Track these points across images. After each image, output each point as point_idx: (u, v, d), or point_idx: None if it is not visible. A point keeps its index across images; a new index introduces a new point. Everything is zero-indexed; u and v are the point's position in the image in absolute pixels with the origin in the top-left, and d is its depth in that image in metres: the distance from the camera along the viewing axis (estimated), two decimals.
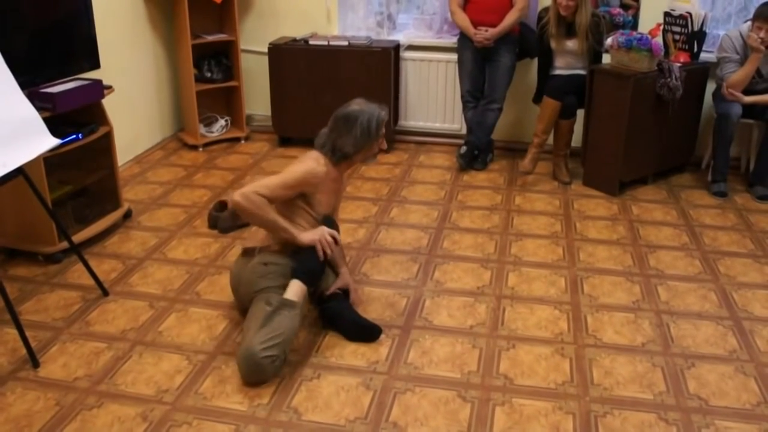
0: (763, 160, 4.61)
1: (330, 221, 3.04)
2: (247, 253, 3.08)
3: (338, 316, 3.05)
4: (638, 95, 4.39)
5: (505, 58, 4.89)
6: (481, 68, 4.99)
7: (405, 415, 2.56)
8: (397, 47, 5.33)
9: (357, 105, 3.07)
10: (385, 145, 3.13)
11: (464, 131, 5.28)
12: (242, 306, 3.08)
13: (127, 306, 3.27)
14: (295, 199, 3.03)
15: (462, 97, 5.13)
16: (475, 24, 4.82)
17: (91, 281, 3.35)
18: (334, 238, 2.95)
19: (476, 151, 5.07)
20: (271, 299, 2.81)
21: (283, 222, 2.92)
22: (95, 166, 3.95)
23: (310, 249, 2.92)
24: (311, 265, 2.93)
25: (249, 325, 2.80)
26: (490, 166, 5.15)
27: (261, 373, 2.69)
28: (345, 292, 3.16)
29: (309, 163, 3.03)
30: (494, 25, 4.76)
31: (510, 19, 4.75)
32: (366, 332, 3.00)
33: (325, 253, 2.93)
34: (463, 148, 5.05)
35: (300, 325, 2.87)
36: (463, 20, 4.88)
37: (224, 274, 3.50)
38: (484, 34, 4.76)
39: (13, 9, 3.42)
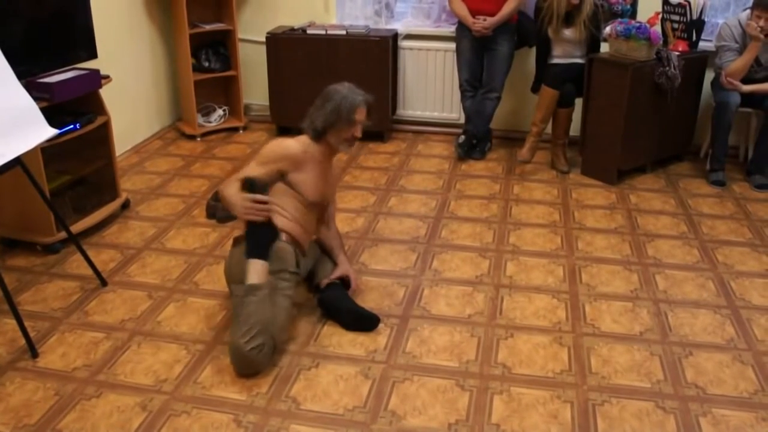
0: (761, 149, 4.60)
1: (252, 184, 2.86)
2: (236, 242, 3.08)
3: (336, 306, 3.05)
4: (637, 84, 4.38)
5: (504, 47, 4.88)
6: (479, 57, 4.98)
7: (403, 403, 2.57)
8: (395, 36, 5.32)
9: (341, 86, 3.07)
10: (359, 134, 3.06)
11: (462, 120, 5.27)
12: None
13: (125, 296, 3.27)
14: (279, 183, 3.02)
15: (460, 86, 5.12)
16: (473, 13, 4.81)
17: (89, 271, 3.35)
18: (258, 201, 2.82)
19: (474, 140, 5.07)
20: (235, 290, 2.79)
21: (228, 192, 2.89)
22: (93, 156, 3.94)
23: (251, 223, 2.85)
24: (256, 238, 2.86)
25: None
26: (488, 155, 5.14)
27: (252, 366, 2.69)
28: (343, 281, 3.16)
29: (285, 139, 3.07)
30: (492, 14, 4.75)
31: (508, 7, 4.74)
32: (364, 321, 3.01)
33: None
34: (462, 138, 5.04)
35: (277, 302, 2.79)
36: (461, 9, 4.86)
37: (222, 263, 3.48)
38: (482, 23, 4.75)
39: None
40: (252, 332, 2.66)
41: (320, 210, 3.22)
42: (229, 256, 3.07)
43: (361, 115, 3.04)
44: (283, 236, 2.97)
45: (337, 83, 3.11)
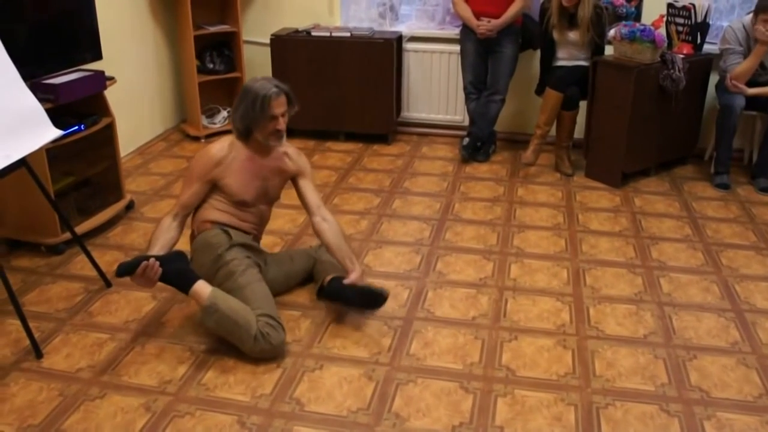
0: (765, 152, 4.59)
1: (121, 272, 2.77)
2: (192, 238, 3.13)
3: (340, 292, 3.02)
4: (641, 87, 4.38)
5: (508, 50, 4.88)
6: (483, 59, 4.97)
7: (407, 406, 2.56)
8: (399, 38, 5.32)
9: (255, 81, 2.99)
10: (281, 126, 2.99)
11: (467, 123, 5.28)
12: None
13: (129, 297, 3.27)
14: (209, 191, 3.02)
15: (464, 88, 5.12)
16: (478, 15, 4.81)
17: (93, 272, 3.35)
18: (138, 275, 2.75)
19: (479, 142, 5.07)
20: (203, 322, 2.80)
21: (151, 246, 2.94)
22: (98, 157, 3.95)
23: (165, 266, 2.80)
24: (174, 277, 2.81)
25: None
26: (492, 157, 5.14)
27: (270, 351, 2.76)
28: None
29: (208, 146, 3.03)
30: (497, 16, 4.75)
31: (513, 10, 4.74)
32: (372, 298, 2.97)
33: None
34: (466, 140, 5.05)
35: (236, 288, 2.83)
36: (466, 11, 4.86)
37: None
38: (486, 26, 4.75)
39: (15, 0, 3.41)
40: (243, 332, 2.72)
41: (263, 205, 3.16)
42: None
43: (279, 107, 2.96)
44: (207, 225, 2.99)
45: (253, 79, 3.04)
